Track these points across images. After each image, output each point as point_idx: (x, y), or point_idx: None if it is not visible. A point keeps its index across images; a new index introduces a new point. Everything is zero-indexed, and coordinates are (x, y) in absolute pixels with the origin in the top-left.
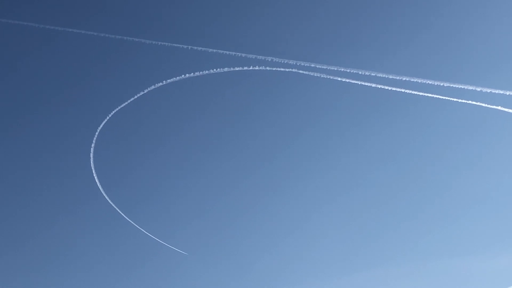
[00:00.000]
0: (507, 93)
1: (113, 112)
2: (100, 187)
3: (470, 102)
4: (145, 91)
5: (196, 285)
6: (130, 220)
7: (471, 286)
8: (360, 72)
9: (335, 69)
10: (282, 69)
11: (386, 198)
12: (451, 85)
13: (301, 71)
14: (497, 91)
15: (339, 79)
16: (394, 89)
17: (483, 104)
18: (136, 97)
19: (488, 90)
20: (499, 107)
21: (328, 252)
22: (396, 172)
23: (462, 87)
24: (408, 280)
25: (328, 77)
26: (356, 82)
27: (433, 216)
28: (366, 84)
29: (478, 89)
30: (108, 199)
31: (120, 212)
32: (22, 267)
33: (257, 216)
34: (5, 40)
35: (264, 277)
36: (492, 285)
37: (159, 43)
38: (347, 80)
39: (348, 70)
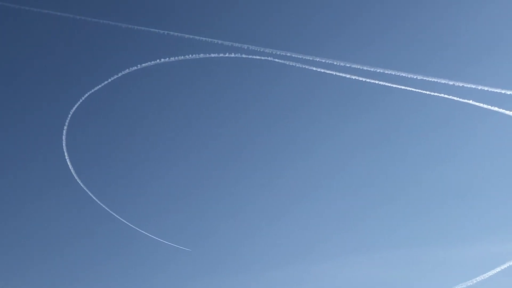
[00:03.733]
0: (479, 87)
1: (86, 95)
2: (73, 173)
3: (442, 95)
4: (119, 74)
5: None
6: (103, 205)
7: (444, 274)
8: (335, 63)
9: (310, 58)
10: (258, 57)
11: (361, 187)
12: (425, 78)
13: (276, 60)
14: (469, 85)
15: (314, 68)
16: (368, 80)
17: (455, 98)
18: (109, 80)
19: (461, 84)
20: (470, 101)
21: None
22: (369, 161)
23: (435, 80)
24: (383, 267)
25: (303, 66)
26: (330, 72)
27: (407, 205)
28: (341, 74)
29: (451, 83)
30: (81, 183)
31: (94, 198)
32: None
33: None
34: None
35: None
36: (463, 274)
37: (135, 27)
38: (322, 70)
39: (323, 60)
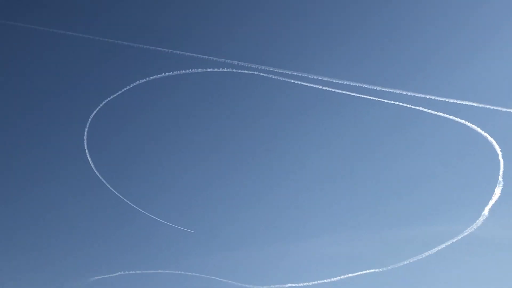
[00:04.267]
0: (427, 96)
1: (104, 102)
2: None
3: (397, 103)
4: (131, 85)
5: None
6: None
7: (397, 250)
8: (309, 76)
9: (289, 73)
10: (245, 71)
11: (328, 178)
12: (382, 89)
13: (261, 74)
14: (419, 95)
15: (292, 81)
16: (333, 90)
17: (408, 105)
18: (123, 90)
19: (412, 94)
20: (420, 108)
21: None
22: (335, 158)
23: (391, 90)
24: (348, 245)
25: (284, 79)
26: (305, 84)
27: (370, 193)
28: (312, 85)
29: (404, 92)
30: (100, 177)
31: (110, 188)
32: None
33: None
34: (5, 41)
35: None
36: (412, 250)
37: (144, 46)
38: (298, 82)
39: (299, 74)
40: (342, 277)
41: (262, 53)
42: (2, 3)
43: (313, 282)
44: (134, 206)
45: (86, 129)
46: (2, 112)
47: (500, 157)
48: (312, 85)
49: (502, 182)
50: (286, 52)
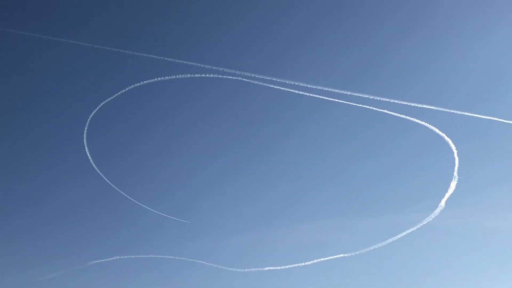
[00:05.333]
0: (391, 100)
1: (102, 103)
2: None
3: (365, 106)
4: (127, 88)
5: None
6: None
7: (366, 236)
8: (287, 82)
9: (269, 78)
10: (230, 77)
11: (309, 171)
12: (352, 94)
13: (244, 79)
14: (384, 99)
15: (272, 86)
16: (308, 94)
17: (374, 108)
18: (120, 92)
19: (378, 98)
20: (385, 110)
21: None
22: (304, 159)
23: (360, 95)
24: (323, 232)
25: (264, 84)
26: (283, 89)
27: (345, 185)
28: (284, 89)
29: (371, 97)
30: (99, 172)
31: (109, 182)
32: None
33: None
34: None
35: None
36: (376, 238)
37: (139, 54)
38: (277, 87)
39: (279, 80)
40: (315, 261)
41: (245, 60)
42: (14, 14)
43: (290, 266)
44: (130, 197)
45: (86, 128)
46: (13, 113)
47: (455, 155)
48: (289, 89)
49: (457, 177)
50: (266, 60)
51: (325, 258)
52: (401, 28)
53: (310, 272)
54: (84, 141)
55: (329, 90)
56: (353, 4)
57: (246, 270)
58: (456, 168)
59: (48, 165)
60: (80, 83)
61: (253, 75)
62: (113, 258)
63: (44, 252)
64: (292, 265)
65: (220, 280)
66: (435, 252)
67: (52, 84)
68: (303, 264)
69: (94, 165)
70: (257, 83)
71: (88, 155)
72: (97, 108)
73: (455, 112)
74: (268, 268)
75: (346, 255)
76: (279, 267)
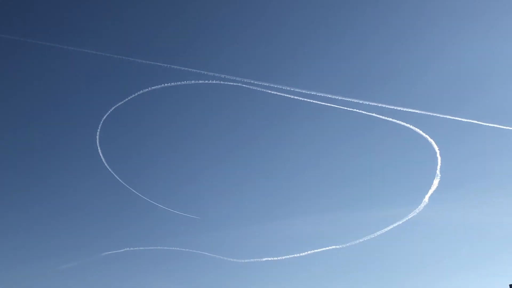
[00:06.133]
0: (379, 104)
1: (113, 108)
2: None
3: (354, 110)
4: (135, 94)
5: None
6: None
7: (354, 230)
8: (274, 85)
9: (264, 83)
10: (231, 83)
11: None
12: (343, 98)
13: (244, 85)
14: (373, 103)
15: (263, 90)
16: (302, 99)
17: (363, 112)
18: (130, 97)
19: (367, 102)
20: (373, 114)
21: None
22: (300, 158)
23: (350, 100)
24: (316, 225)
25: (259, 89)
26: (273, 92)
27: (330, 184)
28: (280, 94)
29: (361, 101)
30: (113, 173)
31: (121, 180)
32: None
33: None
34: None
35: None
36: (365, 231)
37: (148, 62)
38: (269, 91)
39: (272, 85)
40: (309, 252)
41: (244, 67)
42: (31, 24)
43: (285, 256)
44: (135, 191)
45: (98, 130)
46: (32, 117)
47: (438, 155)
48: (285, 95)
49: (440, 175)
50: (264, 67)
51: (318, 250)
52: (389, 38)
53: (304, 262)
54: (97, 142)
55: (322, 95)
56: (345, 15)
57: (245, 260)
58: (438, 167)
59: (64, 165)
60: (92, 89)
61: (252, 81)
62: (123, 250)
63: (59, 244)
64: (288, 256)
65: (222, 270)
66: (420, 244)
67: (67, 90)
68: (298, 255)
69: (106, 165)
70: (255, 88)
71: (101, 155)
72: (109, 111)
73: (438, 115)
74: (266, 259)
75: (337, 247)
76: (276, 258)
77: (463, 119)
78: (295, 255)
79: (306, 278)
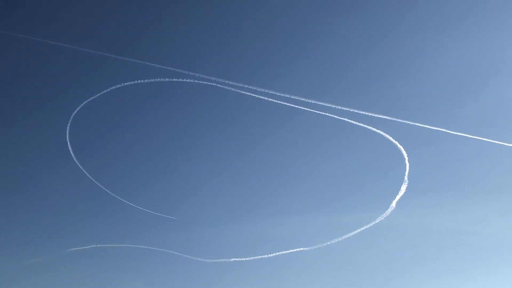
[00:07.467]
0: (351, 110)
1: (84, 102)
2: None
3: (327, 114)
4: (108, 89)
5: None
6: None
7: (327, 232)
8: (250, 87)
9: (239, 84)
10: (205, 83)
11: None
12: (316, 102)
13: (219, 85)
14: (345, 108)
15: (236, 90)
16: (277, 102)
17: (336, 116)
18: (102, 92)
19: (340, 107)
20: (345, 119)
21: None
22: (270, 160)
23: (323, 104)
24: (295, 226)
25: (232, 89)
26: (249, 94)
27: (298, 187)
28: (256, 96)
29: (333, 106)
30: (82, 168)
31: (91, 178)
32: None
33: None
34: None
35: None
36: (333, 234)
37: (122, 58)
38: (243, 92)
39: (246, 86)
40: (277, 253)
41: (220, 67)
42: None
43: (254, 257)
44: (104, 188)
45: (69, 125)
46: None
47: (406, 161)
48: (259, 96)
49: (407, 181)
50: (240, 68)
51: (286, 251)
52: (363, 44)
53: (272, 263)
54: (67, 136)
55: (296, 98)
56: (320, 20)
57: (213, 260)
58: (406, 173)
59: (32, 158)
60: (64, 83)
61: (227, 82)
62: (90, 246)
63: (24, 239)
64: (256, 257)
65: (190, 269)
66: (386, 248)
67: (37, 83)
68: (266, 256)
69: (75, 160)
70: (230, 89)
71: (70, 149)
72: (80, 106)
73: (408, 122)
74: (234, 259)
75: (305, 249)
76: (244, 259)
77: (432, 127)
78: (263, 256)
79: (274, 279)
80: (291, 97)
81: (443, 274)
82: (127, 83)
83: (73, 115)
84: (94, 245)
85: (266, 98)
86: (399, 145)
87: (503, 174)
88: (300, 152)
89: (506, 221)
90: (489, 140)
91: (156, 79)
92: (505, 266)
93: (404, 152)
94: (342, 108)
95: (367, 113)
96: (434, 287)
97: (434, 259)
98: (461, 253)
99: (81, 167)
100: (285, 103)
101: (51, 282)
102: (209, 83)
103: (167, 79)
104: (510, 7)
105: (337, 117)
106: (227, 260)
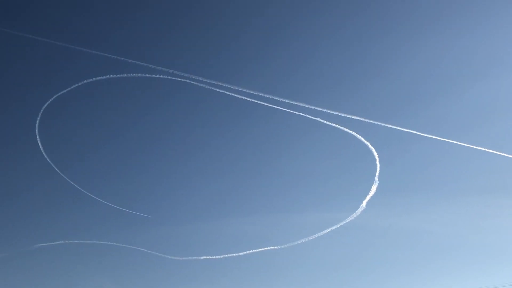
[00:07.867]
0: (324, 110)
1: (54, 96)
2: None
3: (300, 114)
4: (79, 83)
5: None
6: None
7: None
8: (224, 84)
9: (214, 82)
10: (178, 79)
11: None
12: (290, 102)
13: (192, 82)
14: (318, 108)
15: (212, 88)
16: (251, 100)
17: (308, 116)
18: (73, 86)
19: (313, 107)
20: (318, 119)
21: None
22: (242, 159)
23: (296, 103)
24: (264, 225)
25: (207, 87)
26: (222, 91)
27: (270, 186)
28: (229, 94)
29: (307, 105)
30: (51, 163)
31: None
32: None
33: None
34: None
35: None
36: (303, 233)
37: (94, 52)
38: (218, 90)
39: (221, 84)
40: (247, 252)
41: (193, 64)
42: None
43: (224, 255)
44: (74, 183)
45: (38, 118)
46: None
47: (377, 162)
48: (232, 94)
49: (378, 181)
50: (214, 65)
51: (257, 250)
52: (337, 44)
53: (243, 262)
54: (36, 130)
55: (269, 97)
56: (294, 19)
57: (183, 258)
58: (377, 174)
59: (0, 152)
60: (35, 76)
61: (200, 79)
62: (58, 242)
63: None
64: (226, 255)
65: (159, 267)
66: (356, 247)
67: (7, 75)
68: (236, 254)
69: (44, 154)
70: (203, 86)
71: (39, 144)
72: (51, 100)
73: (380, 124)
74: (205, 257)
75: (275, 247)
76: (214, 257)
77: (404, 129)
78: (234, 254)
79: (244, 277)
80: (265, 95)
81: (411, 273)
82: (99, 78)
83: (43, 108)
84: (62, 241)
85: (239, 96)
86: (370, 146)
87: (471, 176)
88: (272, 152)
89: (473, 222)
90: (458, 143)
91: (129, 74)
92: (471, 265)
93: (375, 153)
94: (315, 108)
95: (339, 114)
96: (404, 285)
97: (403, 259)
98: (429, 253)
99: (50, 162)
100: (258, 102)
101: (17, 277)
102: (182, 80)
103: (140, 75)
104: (481, 11)
105: (310, 116)
106: (197, 258)
